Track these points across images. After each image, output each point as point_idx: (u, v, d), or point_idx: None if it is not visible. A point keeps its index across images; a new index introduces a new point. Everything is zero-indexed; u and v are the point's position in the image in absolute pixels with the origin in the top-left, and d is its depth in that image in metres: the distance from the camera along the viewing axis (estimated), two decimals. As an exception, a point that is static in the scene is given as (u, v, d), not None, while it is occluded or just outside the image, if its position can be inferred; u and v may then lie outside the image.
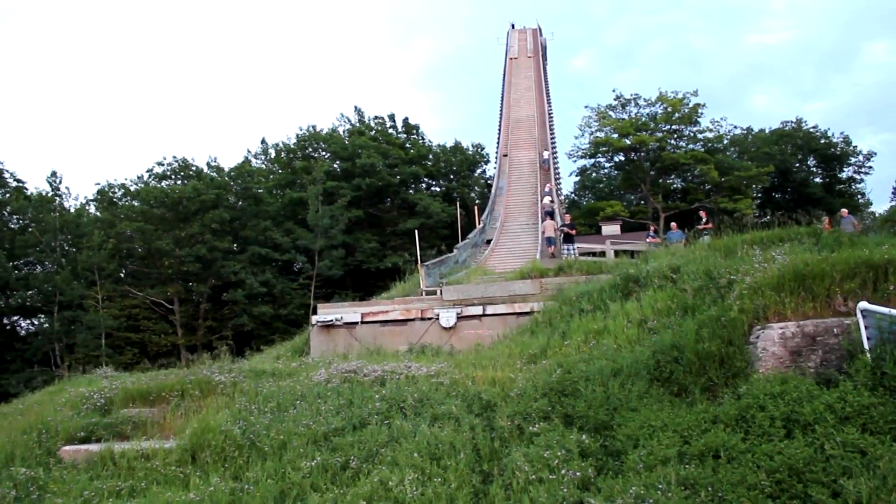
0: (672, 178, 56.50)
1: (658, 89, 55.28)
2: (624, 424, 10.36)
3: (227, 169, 55.65)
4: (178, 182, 50.80)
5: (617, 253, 27.45)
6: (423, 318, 19.67)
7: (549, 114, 54.25)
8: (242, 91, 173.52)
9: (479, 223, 36.73)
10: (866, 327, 10.54)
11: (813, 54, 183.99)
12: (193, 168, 51.14)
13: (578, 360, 13.15)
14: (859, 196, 62.82)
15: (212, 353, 45.11)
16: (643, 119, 54.63)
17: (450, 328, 19.23)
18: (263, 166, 64.25)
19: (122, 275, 48.24)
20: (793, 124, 61.85)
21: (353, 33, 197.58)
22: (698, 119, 52.78)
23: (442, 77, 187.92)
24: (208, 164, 54.50)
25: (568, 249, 22.03)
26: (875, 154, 60.19)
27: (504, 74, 61.71)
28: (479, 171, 63.89)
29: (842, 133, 60.52)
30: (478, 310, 19.39)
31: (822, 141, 60.13)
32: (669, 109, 52.54)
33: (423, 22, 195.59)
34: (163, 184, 49.79)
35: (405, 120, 62.43)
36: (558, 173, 47.40)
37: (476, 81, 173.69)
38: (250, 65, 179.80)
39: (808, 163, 61.68)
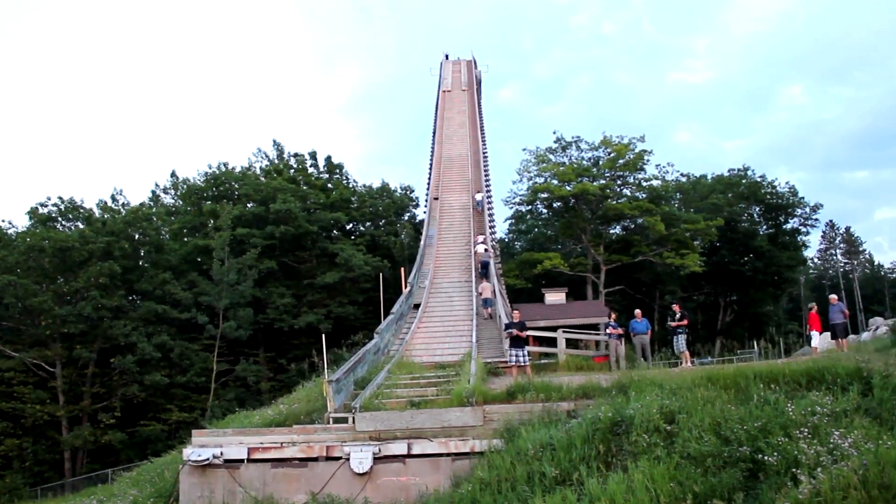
0: (615, 228, 53.11)
1: (602, 133, 52.28)
2: None
3: (131, 205, 49.76)
4: (66, 225, 44.72)
5: (570, 343, 23.22)
6: (328, 458, 14.78)
7: (484, 153, 50.47)
8: (155, 120, 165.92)
9: (406, 286, 32.11)
10: None
11: (733, 94, 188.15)
12: (82, 210, 45.04)
13: None
14: (804, 248, 60.86)
15: (96, 426, 39.50)
16: (585, 164, 51.11)
17: (364, 474, 14.41)
18: (173, 202, 58.45)
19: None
20: (738, 171, 59.53)
21: (276, 58, 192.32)
22: (644, 166, 49.48)
23: (370, 104, 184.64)
24: (113, 197, 48.66)
25: (517, 355, 17.58)
26: (822, 206, 58.29)
27: (436, 108, 57.85)
28: (407, 215, 59.31)
29: (787, 183, 58.57)
30: (401, 447, 14.62)
31: (768, 191, 57.85)
32: (613, 155, 49.08)
33: (350, 49, 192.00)
34: (46, 226, 43.56)
35: (328, 158, 57.52)
36: (493, 217, 43.34)
37: (405, 109, 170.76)
38: (167, 91, 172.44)
39: (753, 211, 59.32)
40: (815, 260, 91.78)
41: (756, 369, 13.21)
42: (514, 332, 17.89)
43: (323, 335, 17.43)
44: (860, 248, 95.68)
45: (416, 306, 31.26)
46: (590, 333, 24.96)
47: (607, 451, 11.95)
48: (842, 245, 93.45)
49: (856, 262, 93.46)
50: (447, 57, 66.78)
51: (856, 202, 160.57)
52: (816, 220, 59.33)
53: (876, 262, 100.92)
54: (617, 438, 12.14)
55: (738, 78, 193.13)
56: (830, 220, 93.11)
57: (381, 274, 36.13)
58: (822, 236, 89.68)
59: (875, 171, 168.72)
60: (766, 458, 9.91)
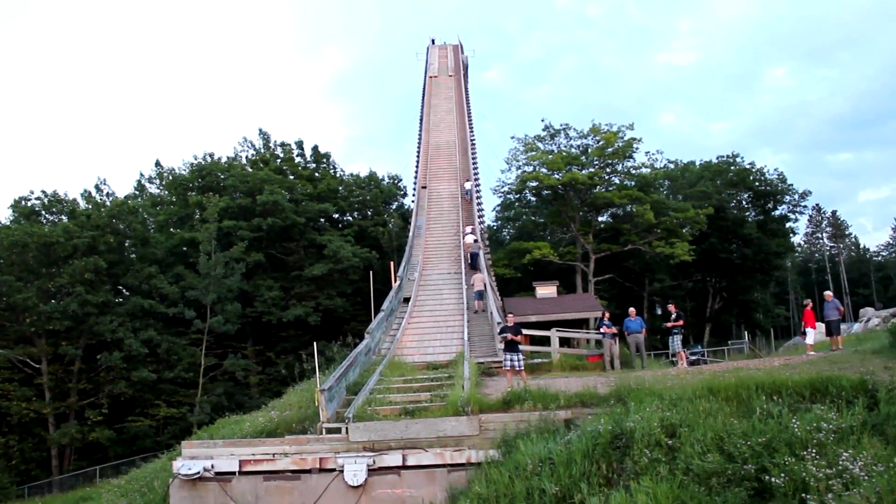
0: (604, 216, 52.92)
1: (591, 121, 51.95)
2: None
3: (115, 195, 49.28)
4: (50, 219, 44.03)
5: (563, 342, 23.03)
6: (322, 470, 14.48)
7: (472, 140, 50.01)
8: (138, 105, 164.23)
9: (396, 280, 31.76)
10: None
11: (718, 76, 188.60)
12: (66, 203, 44.34)
13: None
14: (792, 234, 60.97)
15: (83, 423, 39.01)
16: (574, 152, 50.77)
17: (358, 487, 14.14)
18: (158, 191, 57.79)
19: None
20: (727, 158, 59.43)
21: (259, 41, 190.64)
22: (633, 154, 49.19)
23: (354, 87, 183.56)
24: (97, 187, 48.11)
25: (512, 359, 17.31)
26: (810, 193, 58.31)
27: (423, 94, 57.33)
28: (395, 204, 58.88)
29: (776, 170, 58.53)
30: (396, 458, 14.35)
31: (756, 178, 57.79)
32: (602, 143, 48.75)
33: (333, 31, 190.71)
34: (29, 220, 42.87)
35: (314, 148, 56.96)
36: (481, 206, 42.99)
37: (390, 92, 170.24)
38: (149, 76, 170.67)
39: (740, 198, 59.31)
40: (802, 244, 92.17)
41: (758, 379, 12.96)
42: (509, 336, 17.60)
43: (314, 343, 17.05)
44: (846, 232, 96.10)
45: (406, 300, 30.96)
46: (584, 332, 24.73)
47: (608, 466, 11.70)
48: (828, 229, 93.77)
49: (842, 246, 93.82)
50: (433, 42, 66.15)
51: (840, 184, 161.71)
52: (805, 206, 59.62)
53: (862, 246, 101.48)
54: (617, 453, 11.89)
55: (723, 60, 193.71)
56: (817, 204, 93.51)
57: (371, 270, 35.79)
58: (809, 220, 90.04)
59: (859, 153, 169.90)
60: (772, 479, 9.69)
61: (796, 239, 74.62)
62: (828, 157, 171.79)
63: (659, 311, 60.49)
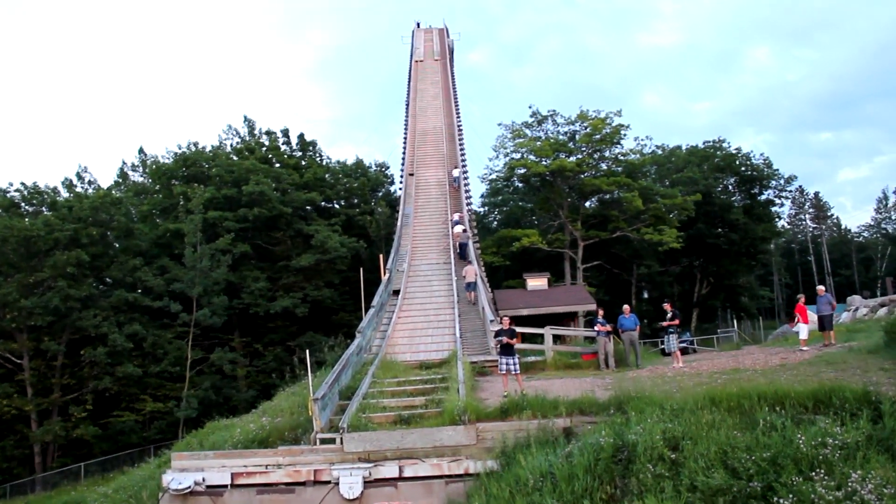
0: (592, 203, 52.68)
1: (579, 107, 51.71)
2: None
3: (97, 184, 48.64)
4: (30, 210, 43.25)
5: (557, 338, 22.85)
6: (316, 482, 14.18)
7: (459, 126, 49.55)
8: (120, 91, 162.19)
9: (385, 272, 31.39)
10: None
11: (700, 56, 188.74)
12: (47, 193, 43.55)
13: None
14: (777, 219, 61.14)
15: (67, 420, 38.44)
16: (562, 139, 50.44)
17: (354, 500, 13.85)
18: (142, 179, 57.04)
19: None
20: (713, 143, 59.42)
21: (241, 22, 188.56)
22: (621, 140, 48.94)
23: (337, 69, 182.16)
24: (79, 175, 47.40)
25: (508, 363, 17.08)
26: (796, 178, 58.44)
27: (409, 79, 56.72)
28: (382, 192, 58.37)
29: (762, 154, 58.62)
30: (392, 469, 14.06)
31: (743, 163, 57.83)
32: (589, 129, 48.45)
33: (315, 13, 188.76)
34: (9, 212, 42.05)
35: (300, 136, 56.32)
36: (469, 193, 42.60)
37: (374, 73, 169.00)
38: (132, 61, 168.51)
39: (727, 183, 59.36)
40: (785, 225, 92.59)
41: (760, 389, 12.76)
42: (505, 339, 17.36)
43: (307, 351, 16.69)
44: (828, 213, 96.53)
45: (396, 292, 30.60)
46: (577, 330, 24.60)
47: (611, 482, 11.51)
48: (811, 210, 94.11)
49: (824, 227, 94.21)
50: (419, 25, 65.45)
51: (820, 163, 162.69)
52: (790, 191, 59.76)
53: (843, 227, 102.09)
54: (620, 468, 11.68)
55: (705, 40, 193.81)
56: (800, 186, 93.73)
57: (358, 260, 35.38)
58: (792, 201, 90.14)
59: (838, 133, 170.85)
60: (780, 500, 9.52)
61: (780, 221, 75.03)
62: (809, 136, 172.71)
63: (646, 296, 60.56)
